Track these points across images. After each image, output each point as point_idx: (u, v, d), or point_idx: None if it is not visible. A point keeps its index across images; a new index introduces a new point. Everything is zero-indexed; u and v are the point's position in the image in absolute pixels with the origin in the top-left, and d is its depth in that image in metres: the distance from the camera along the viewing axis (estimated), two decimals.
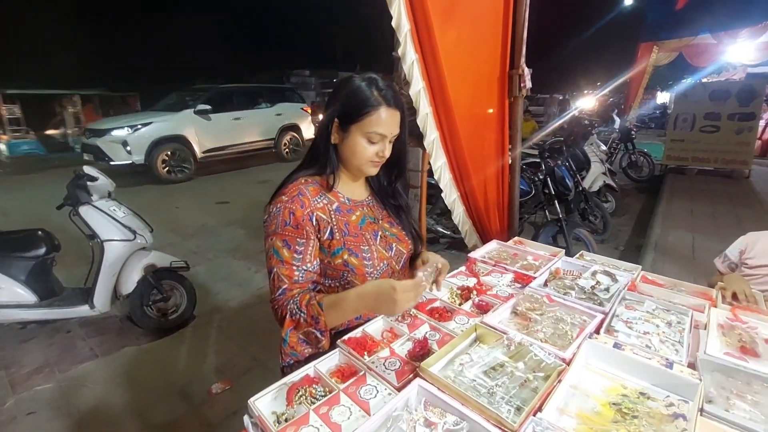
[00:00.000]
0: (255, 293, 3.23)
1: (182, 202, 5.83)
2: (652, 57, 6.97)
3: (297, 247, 0.98)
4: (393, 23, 1.37)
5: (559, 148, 4.65)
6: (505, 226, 2.13)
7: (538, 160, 3.52)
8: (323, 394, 0.85)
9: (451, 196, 1.79)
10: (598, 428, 0.76)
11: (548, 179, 3.30)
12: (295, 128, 9.10)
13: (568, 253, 3.16)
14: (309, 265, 1.00)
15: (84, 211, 2.41)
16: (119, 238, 2.47)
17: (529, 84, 1.91)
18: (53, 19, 13.84)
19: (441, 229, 3.80)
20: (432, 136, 1.61)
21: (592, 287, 1.26)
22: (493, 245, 1.63)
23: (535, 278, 1.30)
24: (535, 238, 3.24)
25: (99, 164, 6.54)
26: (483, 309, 1.14)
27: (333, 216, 1.03)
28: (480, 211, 1.85)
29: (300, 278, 0.98)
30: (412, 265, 1.19)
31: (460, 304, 1.18)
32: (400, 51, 1.44)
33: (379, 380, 0.87)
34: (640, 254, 3.60)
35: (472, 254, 1.50)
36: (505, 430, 0.73)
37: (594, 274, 1.34)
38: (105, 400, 2.15)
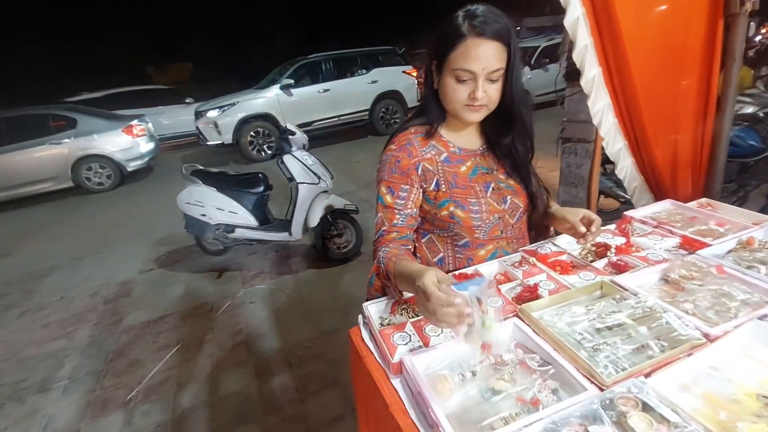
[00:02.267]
0: None
1: (362, 156, 6.63)
2: None
3: (400, 193, 0.99)
4: None
5: None
6: (700, 190, 1.69)
7: None
8: None
9: (615, 145, 1.52)
10: (728, 415, 0.62)
11: None
12: (395, 95, 7.93)
13: None
14: (410, 210, 1.00)
15: (286, 159, 3.07)
16: (309, 182, 3.07)
17: None
18: None
19: (623, 194, 3.23)
20: (591, 73, 1.37)
21: None
22: (665, 205, 1.34)
23: (710, 245, 1.04)
24: (764, 212, 2.43)
25: (200, 146, 7.47)
26: (620, 269, 1.00)
27: (440, 167, 1.01)
28: (656, 165, 1.52)
29: (400, 222, 1.00)
30: (541, 223, 1.11)
31: (591, 261, 1.05)
32: None
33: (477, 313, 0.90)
34: None
35: (630, 212, 1.28)
36: (597, 383, 0.68)
37: None
38: (293, 304, 2.83)
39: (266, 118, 7.03)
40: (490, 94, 0.93)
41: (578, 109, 2.41)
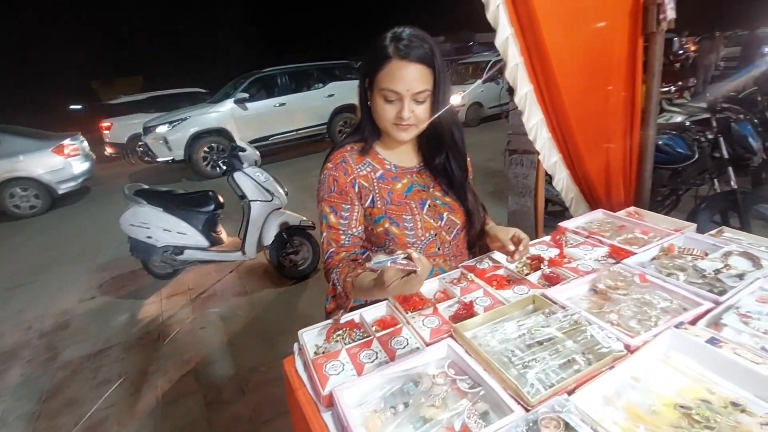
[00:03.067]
0: None
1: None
2: None
3: (342, 212, 1.00)
4: None
5: (753, 99, 3.56)
6: (632, 198, 1.78)
7: (708, 116, 2.76)
8: (361, 337, 0.91)
9: (551, 158, 1.58)
10: (647, 428, 0.63)
11: (720, 139, 2.56)
12: (353, 108, 7.84)
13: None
14: (354, 230, 1.02)
15: (237, 176, 2.98)
16: (261, 199, 2.98)
17: (671, 14, 1.50)
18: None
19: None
20: (524, 90, 1.43)
21: (717, 271, 0.99)
22: (597, 214, 1.40)
23: (635, 254, 1.09)
24: (692, 216, 2.61)
25: (148, 162, 7.09)
26: (552, 281, 1.02)
27: (376, 184, 1.02)
28: (588, 176, 1.59)
29: (346, 242, 1.01)
30: (477, 240, 1.13)
31: (527, 274, 1.07)
32: None
33: (413, 334, 0.89)
34: None
35: (563, 223, 1.33)
36: (523, 404, 0.67)
37: (726, 255, 1.05)
38: (247, 327, 2.71)
39: (220, 132, 6.84)
40: (417, 114, 0.93)
41: (521, 122, 2.50)
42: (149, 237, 3.00)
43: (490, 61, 8.67)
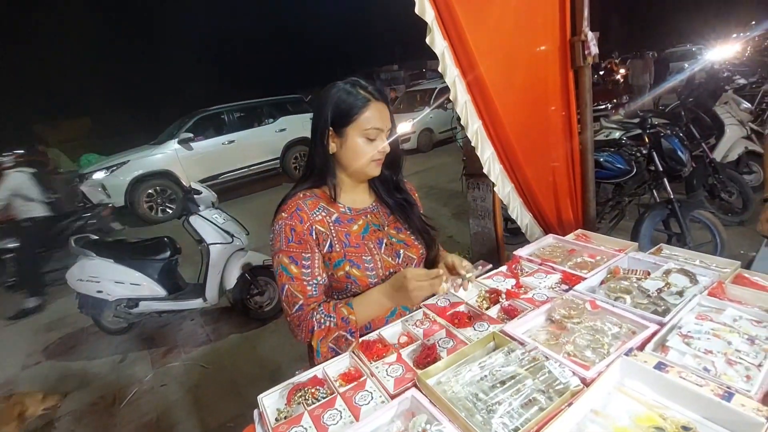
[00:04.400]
0: None
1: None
2: None
3: (304, 261, 0.99)
4: (417, 10, 1.31)
5: (677, 113, 3.91)
6: (580, 217, 1.88)
7: (640, 131, 2.99)
8: (325, 395, 0.88)
9: (504, 188, 1.65)
10: None
11: (653, 153, 2.79)
12: (306, 142, 7.55)
13: (684, 242, 2.66)
14: (319, 278, 1.01)
15: (193, 219, 2.87)
16: (220, 242, 2.88)
17: (594, 50, 1.64)
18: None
19: None
20: (474, 126, 1.50)
21: (659, 290, 1.05)
22: (548, 239, 1.46)
23: (585, 279, 1.14)
24: (637, 225, 2.79)
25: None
26: (511, 314, 1.04)
27: (332, 228, 1.02)
28: (539, 202, 1.67)
29: (314, 292, 1.00)
30: (430, 264, 1.14)
31: (487, 308, 1.09)
32: (428, 39, 1.37)
33: (377, 386, 0.87)
34: None
35: (518, 251, 1.37)
36: None
37: (666, 273, 1.12)
38: (213, 378, 2.56)
39: (165, 175, 6.58)
40: (387, 147, 1.03)
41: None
42: (100, 291, 2.81)
43: (436, 88, 9.02)
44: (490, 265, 1.11)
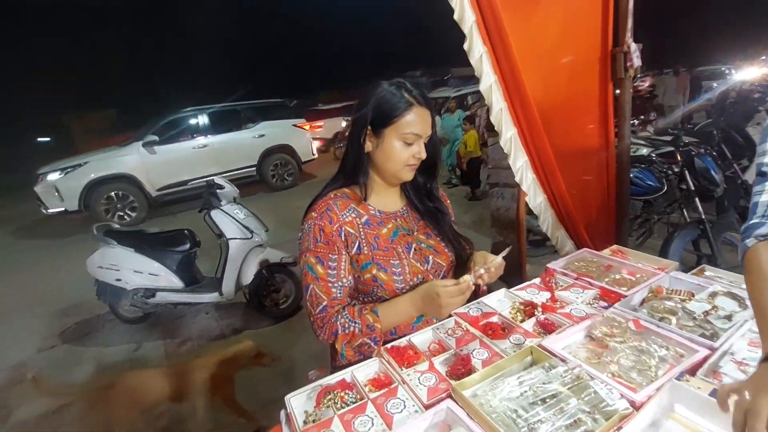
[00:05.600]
0: None
1: (301, 203, 6.50)
2: None
3: (330, 263, 0.98)
4: (455, 16, 1.30)
5: (709, 132, 3.80)
6: (612, 232, 1.83)
7: (672, 149, 2.91)
8: (354, 400, 0.86)
9: (536, 198, 1.61)
10: None
11: (685, 172, 2.70)
12: (286, 149, 7.49)
13: (715, 263, 2.57)
14: (344, 280, 0.99)
15: (214, 214, 2.89)
16: (240, 237, 2.89)
17: (637, 62, 1.60)
18: None
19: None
20: (509, 134, 1.47)
21: (706, 313, 1.00)
22: (582, 254, 1.42)
23: (625, 296, 1.09)
24: (666, 245, 2.70)
25: (41, 212, 6.08)
26: (548, 329, 1.00)
27: (361, 230, 1.01)
28: (571, 214, 1.62)
29: (338, 294, 0.99)
30: (460, 271, 1.11)
31: (521, 321, 1.05)
32: (465, 45, 1.35)
33: (410, 395, 0.84)
34: None
35: (551, 264, 1.33)
36: None
37: (712, 295, 1.06)
38: None
39: (127, 179, 6.26)
40: (423, 154, 1.01)
41: (502, 156, 2.56)
42: (118, 279, 2.84)
43: (449, 96, 8.99)
44: (510, 246, 1.09)
